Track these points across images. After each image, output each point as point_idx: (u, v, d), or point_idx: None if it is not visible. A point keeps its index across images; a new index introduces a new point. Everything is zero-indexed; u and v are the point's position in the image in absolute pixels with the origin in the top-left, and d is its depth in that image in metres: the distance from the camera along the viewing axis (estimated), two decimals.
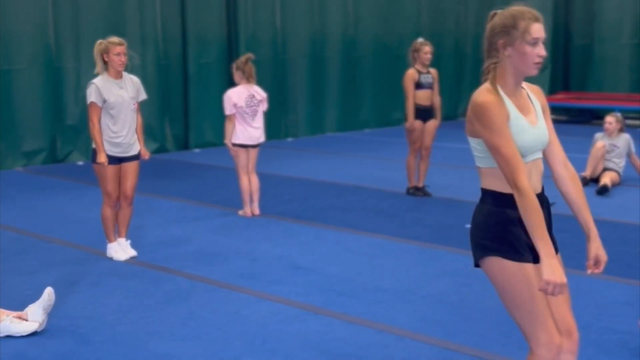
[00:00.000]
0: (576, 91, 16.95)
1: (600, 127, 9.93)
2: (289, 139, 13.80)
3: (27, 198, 8.91)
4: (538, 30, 2.92)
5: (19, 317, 4.78)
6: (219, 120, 13.13)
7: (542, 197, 3.05)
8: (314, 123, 14.20)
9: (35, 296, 4.93)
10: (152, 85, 12.32)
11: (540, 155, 3.08)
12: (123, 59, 6.24)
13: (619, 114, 9.39)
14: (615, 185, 8.88)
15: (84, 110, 11.75)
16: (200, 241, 6.99)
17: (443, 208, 8.15)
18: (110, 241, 6.48)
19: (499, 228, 2.98)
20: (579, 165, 9.68)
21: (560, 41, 17.06)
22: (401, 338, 4.62)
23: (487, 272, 3.04)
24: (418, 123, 8.63)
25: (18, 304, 4.97)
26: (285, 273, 5.98)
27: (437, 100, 8.79)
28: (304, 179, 9.85)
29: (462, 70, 16.84)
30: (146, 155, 6.58)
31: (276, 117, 13.11)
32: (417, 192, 8.80)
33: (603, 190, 8.59)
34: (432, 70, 8.77)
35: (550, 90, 16.98)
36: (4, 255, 6.42)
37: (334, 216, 7.85)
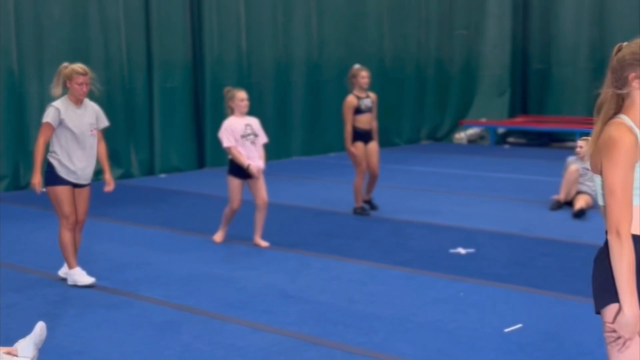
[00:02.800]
0: (535, 114, 17.18)
1: (563, 150, 10.04)
2: None
3: None
4: None
5: (9, 353, 4.57)
6: (185, 145, 13.05)
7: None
8: (279, 147, 14.11)
9: (20, 330, 4.74)
10: (116, 110, 12.13)
11: None
12: (85, 89, 6.18)
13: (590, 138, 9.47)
14: (589, 207, 8.97)
15: None
16: (181, 269, 6.82)
17: (423, 232, 8.12)
18: (72, 267, 6.33)
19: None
20: (549, 188, 9.80)
21: (519, 65, 17.30)
22: None
23: (609, 318, 2.84)
24: (360, 145, 8.91)
25: (2, 339, 4.77)
26: (275, 302, 5.86)
27: (374, 125, 9.08)
28: (277, 204, 9.74)
29: (424, 94, 16.95)
30: (111, 184, 6.47)
31: None
32: (363, 211, 9.01)
33: (580, 214, 8.66)
34: (372, 95, 9.10)
35: (509, 113, 17.20)
36: None
37: (314, 242, 7.76)
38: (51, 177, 6.16)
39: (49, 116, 6.14)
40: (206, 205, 9.98)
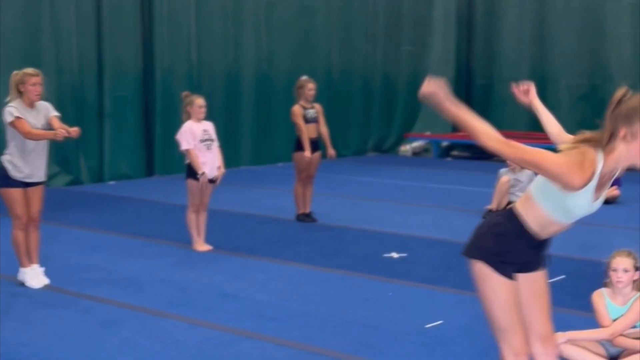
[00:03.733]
0: None
1: (500, 163, 10.51)
2: None
3: None
4: None
5: None
6: (134, 152, 13.29)
7: (546, 241, 3.51)
8: (228, 157, 14.17)
9: None
10: (67, 117, 12.21)
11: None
12: (39, 89, 6.41)
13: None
14: None
15: None
16: (126, 270, 7.11)
17: (361, 238, 8.51)
18: (23, 266, 6.58)
19: (503, 247, 3.41)
20: (485, 199, 10.26)
21: (462, 81, 17.86)
22: (335, 359, 4.90)
23: (473, 272, 3.48)
24: (309, 154, 9.29)
25: None
26: (215, 300, 6.19)
27: (325, 131, 9.49)
28: (223, 210, 10.05)
29: (371, 107, 17.42)
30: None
31: None
32: (306, 218, 9.44)
33: None
34: (317, 105, 9.52)
35: (454, 128, 17.70)
36: None
37: (256, 246, 8.10)
38: (4, 179, 6.37)
39: (13, 113, 6.26)
40: (153, 211, 10.26)
